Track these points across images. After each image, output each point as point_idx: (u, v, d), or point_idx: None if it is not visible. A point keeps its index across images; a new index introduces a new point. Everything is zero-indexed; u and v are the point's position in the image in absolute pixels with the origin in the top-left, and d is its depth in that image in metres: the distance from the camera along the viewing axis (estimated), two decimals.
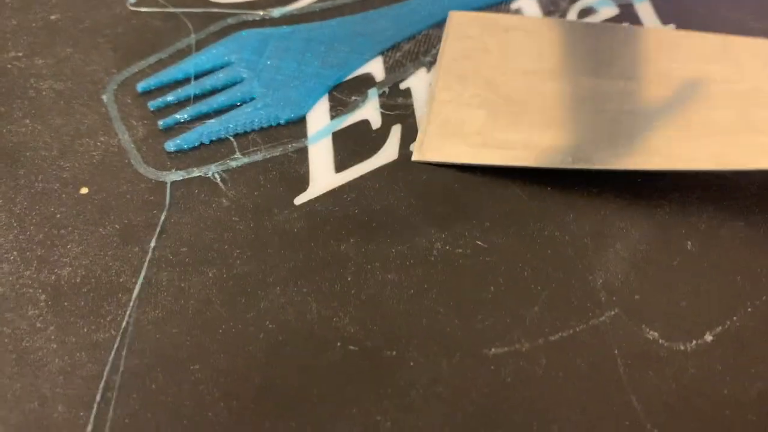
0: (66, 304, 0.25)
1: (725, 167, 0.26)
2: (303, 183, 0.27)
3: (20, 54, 0.31)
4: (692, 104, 0.27)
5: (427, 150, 0.27)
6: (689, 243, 0.26)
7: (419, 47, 0.31)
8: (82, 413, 0.23)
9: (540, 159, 0.26)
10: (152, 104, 0.29)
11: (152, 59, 0.31)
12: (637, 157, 0.26)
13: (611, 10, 0.32)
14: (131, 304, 0.24)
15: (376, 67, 0.30)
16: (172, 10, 0.32)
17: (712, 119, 0.26)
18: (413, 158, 0.27)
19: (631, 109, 0.27)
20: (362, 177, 0.27)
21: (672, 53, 0.29)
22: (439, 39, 0.31)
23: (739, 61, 0.28)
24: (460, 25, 0.30)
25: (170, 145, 0.28)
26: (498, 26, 0.30)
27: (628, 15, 0.32)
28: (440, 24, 0.32)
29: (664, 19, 0.32)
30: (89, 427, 0.22)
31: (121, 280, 0.25)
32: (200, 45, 0.31)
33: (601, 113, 0.27)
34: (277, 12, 0.32)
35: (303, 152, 0.28)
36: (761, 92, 0.27)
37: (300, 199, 0.27)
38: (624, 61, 0.29)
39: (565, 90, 0.28)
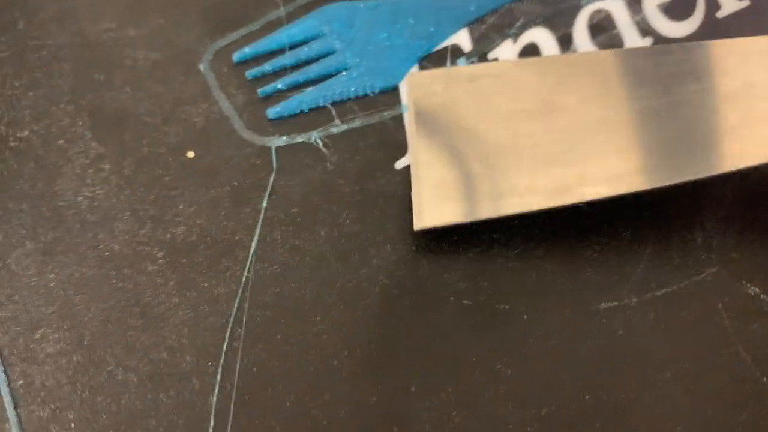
0: (184, 260, 0.25)
1: None
2: (401, 148, 0.28)
3: (113, 25, 0.31)
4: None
5: (427, 216, 0.25)
6: None
7: (503, 20, 0.32)
8: (210, 363, 0.24)
9: (551, 198, 0.25)
10: (250, 73, 0.30)
11: (243, 31, 0.31)
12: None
13: None
14: (249, 259, 0.25)
15: (462, 39, 0.31)
16: None
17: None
18: (415, 227, 0.26)
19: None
20: None
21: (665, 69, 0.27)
22: (522, 14, 0.32)
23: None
24: (421, 85, 0.28)
25: (271, 112, 0.29)
26: (462, 77, 0.28)
27: None
28: None
29: None
30: (218, 377, 0.23)
31: (236, 238, 0.26)
32: (289, 18, 0.32)
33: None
34: None
35: (399, 119, 0.29)
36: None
37: (401, 164, 0.28)
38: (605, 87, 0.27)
39: (558, 125, 0.26)
